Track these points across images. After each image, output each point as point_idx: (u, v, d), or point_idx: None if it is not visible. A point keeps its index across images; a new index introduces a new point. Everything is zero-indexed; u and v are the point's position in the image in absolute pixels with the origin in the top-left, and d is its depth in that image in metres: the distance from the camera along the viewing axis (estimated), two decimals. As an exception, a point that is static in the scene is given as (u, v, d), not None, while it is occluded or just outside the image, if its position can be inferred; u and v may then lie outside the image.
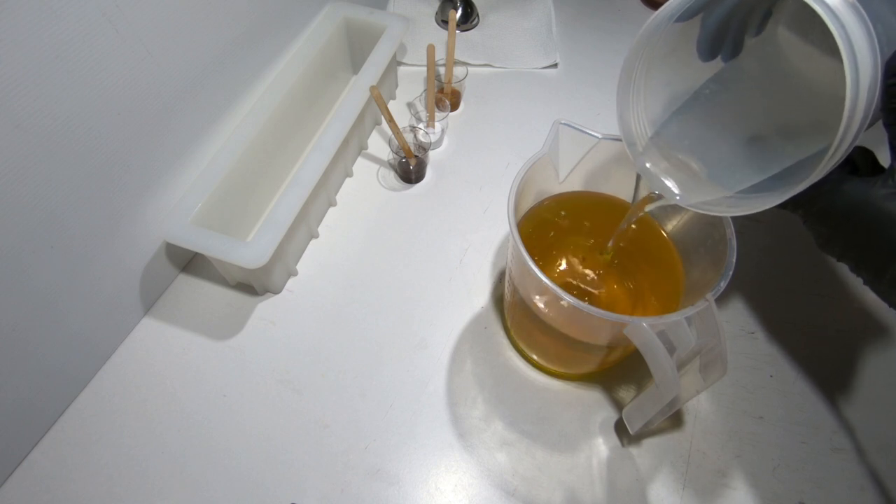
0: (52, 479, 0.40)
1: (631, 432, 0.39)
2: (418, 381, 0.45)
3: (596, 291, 0.42)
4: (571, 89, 0.65)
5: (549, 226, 0.42)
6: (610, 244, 0.39)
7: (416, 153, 0.55)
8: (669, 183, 0.32)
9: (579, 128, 0.36)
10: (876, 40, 0.21)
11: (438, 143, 0.60)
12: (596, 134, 0.37)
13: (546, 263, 0.42)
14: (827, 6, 0.21)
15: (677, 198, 0.31)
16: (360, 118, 0.53)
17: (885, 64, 0.22)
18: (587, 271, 0.42)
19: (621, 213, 0.36)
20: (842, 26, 0.21)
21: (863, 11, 0.21)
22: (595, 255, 0.42)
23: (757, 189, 0.28)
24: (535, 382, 0.45)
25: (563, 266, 0.42)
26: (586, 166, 0.39)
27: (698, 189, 0.30)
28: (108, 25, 0.34)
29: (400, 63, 0.67)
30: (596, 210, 0.42)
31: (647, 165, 0.32)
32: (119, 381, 0.45)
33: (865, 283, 0.26)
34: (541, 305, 0.36)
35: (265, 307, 0.49)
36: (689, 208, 0.31)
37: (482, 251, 0.52)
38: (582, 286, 0.42)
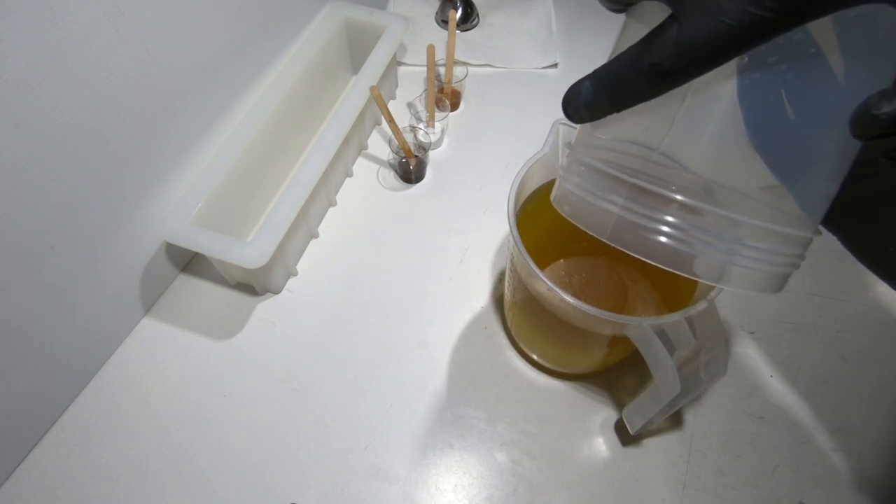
0: (52, 479, 0.40)
1: (631, 432, 0.39)
2: (418, 381, 0.45)
3: (599, 283, 0.41)
4: (571, 89, 0.65)
5: (549, 218, 0.41)
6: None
7: (416, 153, 0.55)
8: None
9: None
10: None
11: (438, 143, 0.60)
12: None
13: (548, 258, 0.42)
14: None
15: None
16: (360, 118, 0.53)
17: (851, 127, 0.18)
18: (591, 262, 0.42)
19: None
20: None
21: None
22: (601, 243, 0.41)
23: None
24: (535, 382, 0.45)
25: (566, 259, 0.42)
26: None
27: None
28: (108, 25, 0.34)
29: (400, 63, 0.67)
30: None
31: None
32: (119, 381, 0.45)
33: None
34: (543, 293, 0.36)
35: (265, 307, 0.49)
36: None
37: (482, 251, 0.52)
38: (585, 279, 0.42)
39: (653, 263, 0.22)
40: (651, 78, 0.18)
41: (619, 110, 0.21)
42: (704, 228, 0.21)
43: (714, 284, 0.23)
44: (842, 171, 0.21)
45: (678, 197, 0.21)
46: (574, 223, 0.24)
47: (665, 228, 0.21)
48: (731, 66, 0.19)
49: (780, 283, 0.22)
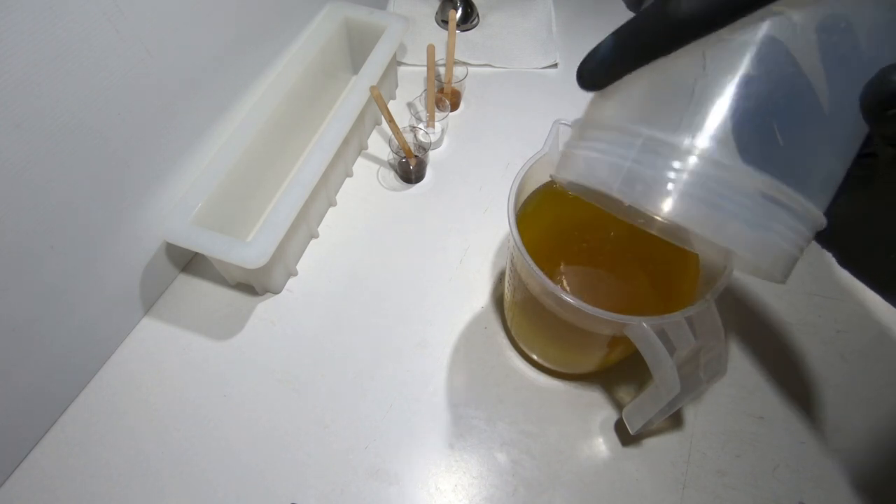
0: (52, 479, 0.40)
1: (631, 432, 0.39)
2: (418, 381, 0.45)
3: (599, 283, 0.41)
4: (571, 89, 0.65)
5: (549, 218, 0.41)
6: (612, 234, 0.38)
7: (416, 153, 0.55)
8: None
9: None
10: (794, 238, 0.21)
11: (438, 143, 0.60)
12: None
13: (548, 258, 0.42)
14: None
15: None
16: (360, 118, 0.53)
17: (861, 103, 0.19)
18: (591, 262, 0.42)
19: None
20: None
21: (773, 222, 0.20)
22: (601, 243, 0.41)
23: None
24: (535, 382, 0.45)
25: (566, 259, 0.42)
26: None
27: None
28: (108, 25, 0.34)
29: (400, 63, 0.67)
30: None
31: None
32: (119, 381, 0.45)
33: None
34: (543, 293, 0.36)
35: (265, 307, 0.49)
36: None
37: (482, 251, 0.52)
38: (585, 279, 0.42)
39: (660, 218, 0.21)
40: (673, 24, 0.19)
41: (637, 65, 0.21)
42: (716, 177, 0.20)
43: (718, 242, 0.22)
44: (841, 172, 0.21)
45: (696, 143, 0.20)
46: (582, 183, 0.23)
47: (674, 175, 0.20)
48: (734, 72, 0.19)
49: (784, 266, 0.22)
